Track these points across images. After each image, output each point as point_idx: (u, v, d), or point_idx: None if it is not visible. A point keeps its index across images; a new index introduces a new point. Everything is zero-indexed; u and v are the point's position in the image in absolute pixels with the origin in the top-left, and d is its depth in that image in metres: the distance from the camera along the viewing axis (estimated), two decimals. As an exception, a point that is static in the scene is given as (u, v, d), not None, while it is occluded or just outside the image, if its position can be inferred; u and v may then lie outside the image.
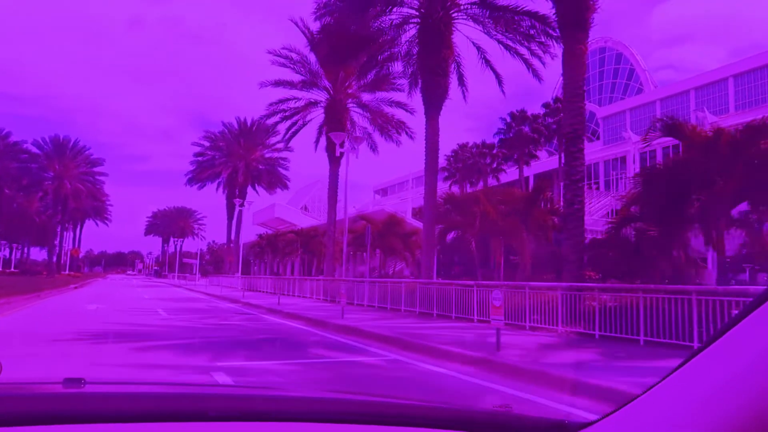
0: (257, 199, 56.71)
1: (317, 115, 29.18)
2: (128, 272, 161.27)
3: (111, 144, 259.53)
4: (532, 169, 57.37)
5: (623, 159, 65.14)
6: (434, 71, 17.45)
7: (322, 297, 24.51)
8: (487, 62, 19.13)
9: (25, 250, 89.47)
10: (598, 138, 73.16)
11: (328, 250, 27.14)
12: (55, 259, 66.84)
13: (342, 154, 27.41)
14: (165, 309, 19.14)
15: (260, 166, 51.83)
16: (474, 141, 60.80)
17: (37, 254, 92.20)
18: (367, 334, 11.33)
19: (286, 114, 28.62)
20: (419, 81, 18.79)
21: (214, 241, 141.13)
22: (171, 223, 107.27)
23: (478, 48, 19.03)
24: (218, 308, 21.39)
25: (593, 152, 65.83)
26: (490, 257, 21.47)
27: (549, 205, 19.72)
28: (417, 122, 29.38)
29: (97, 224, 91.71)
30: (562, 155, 16.23)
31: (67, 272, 74.90)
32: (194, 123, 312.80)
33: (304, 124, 29.67)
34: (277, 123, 29.62)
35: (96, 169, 63.60)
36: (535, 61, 18.18)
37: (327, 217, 27.84)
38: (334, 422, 1.20)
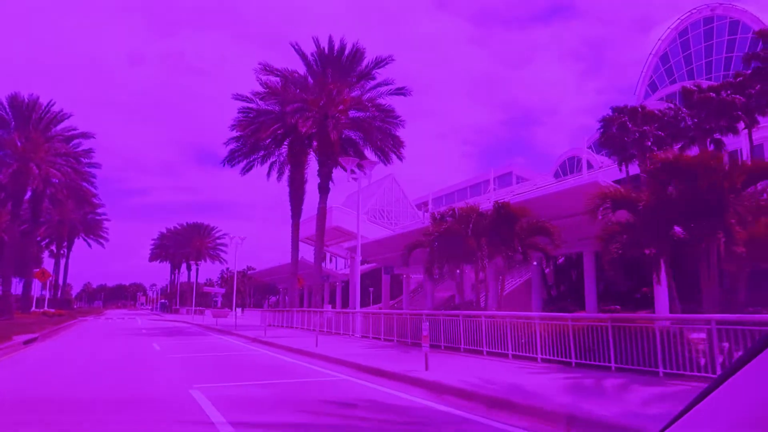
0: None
1: None
2: (140, 306, 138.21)
3: (112, 179, 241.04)
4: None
5: None
6: None
7: None
8: None
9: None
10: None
11: None
12: (21, 291, 44.58)
13: None
14: None
15: (346, 132, 30.01)
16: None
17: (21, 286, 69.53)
18: None
19: None
20: None
21: (228, 269, 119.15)
22: (184, 244, 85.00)
23: None
24: None
25: None
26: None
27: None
28: None
29: (89, 245, 69.63)
30: None
31: (44, 309, 52.51)
32: (194, 156, 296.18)
33: None
34: None
35: (80, 149, 41.27)
36: None
37: None
38: None
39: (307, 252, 78.82)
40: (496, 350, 13.05)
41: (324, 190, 30.62)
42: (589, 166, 57.78)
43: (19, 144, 36.47)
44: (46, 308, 54.22)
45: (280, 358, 14.53)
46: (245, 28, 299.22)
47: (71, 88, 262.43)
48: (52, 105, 38.39)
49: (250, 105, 33.29)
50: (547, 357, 11.59)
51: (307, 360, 13.95)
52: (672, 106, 37.23)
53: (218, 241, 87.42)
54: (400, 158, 30.97)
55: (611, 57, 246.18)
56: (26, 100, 37.26)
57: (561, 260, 37.13)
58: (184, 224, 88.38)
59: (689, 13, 68.96)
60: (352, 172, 25.49)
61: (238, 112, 33.12)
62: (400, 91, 30.90)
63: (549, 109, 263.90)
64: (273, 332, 23.93)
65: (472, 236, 14.72)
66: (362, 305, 52.62)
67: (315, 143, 32.06)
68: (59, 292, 68.64)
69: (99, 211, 66.04)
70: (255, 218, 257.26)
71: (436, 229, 15.62)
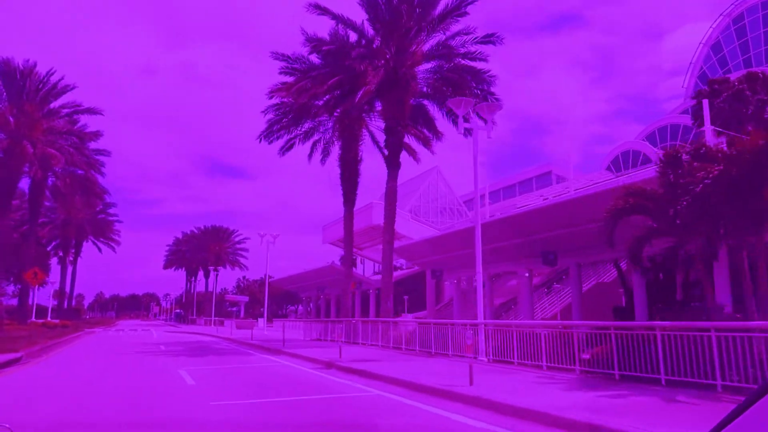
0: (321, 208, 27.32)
1: None
2: (153, 317, 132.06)
3: (123, 189, 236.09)
4: None
5: None
6: None
7: None
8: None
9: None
10: None
11: None
12: (16, 301, 37.99)
13: None
14: None
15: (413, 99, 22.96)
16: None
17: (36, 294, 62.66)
18: None
19: None
20: None
21: (244, 277, 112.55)
22: (201, 249, 78.25)
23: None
24: None
25: None
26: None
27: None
28: None
29: (100, 249, 63.11)
30: None
31: (46, 319, 45.91)
32: (204, 166, 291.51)
33: None
34: None
35: (87, 130, 34.57)
36: None
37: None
38: None
39: (335, 256, 71.33)
40: None
41: (393, 164, 23.61)
42: (647, 159, 50.53)
43: (12, 117, 29.92)
44: (48, 318, 47.61)
45: (444, 417, 7.40)
46: (258, 41, 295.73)
47: (83, 97, 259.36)
48: (52, 74, 31.89)
49: (294, 66, 26.57)
50: None
51: (505, 422, 6.85)
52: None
53: (238, 246, 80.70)
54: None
55: (620, 66, 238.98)
56: (20, 66, 30.81)
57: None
58: (202, 228, 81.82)
59: (746, -4, 61.52)
60: (471, 119, 18.28)
61: (280, 73, 26.40)
62: (488, 39, 23.81)
63: (558, 118, 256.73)
64: (344, 352, 16.86)
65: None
66: (396, 314, 45.49)
67: (378, 107, 25.23)
68: (66, 301, 62.15)
69: (110, 211, 59.71)
70: (264, 228, 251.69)
71: (698, 176, 8.48)
